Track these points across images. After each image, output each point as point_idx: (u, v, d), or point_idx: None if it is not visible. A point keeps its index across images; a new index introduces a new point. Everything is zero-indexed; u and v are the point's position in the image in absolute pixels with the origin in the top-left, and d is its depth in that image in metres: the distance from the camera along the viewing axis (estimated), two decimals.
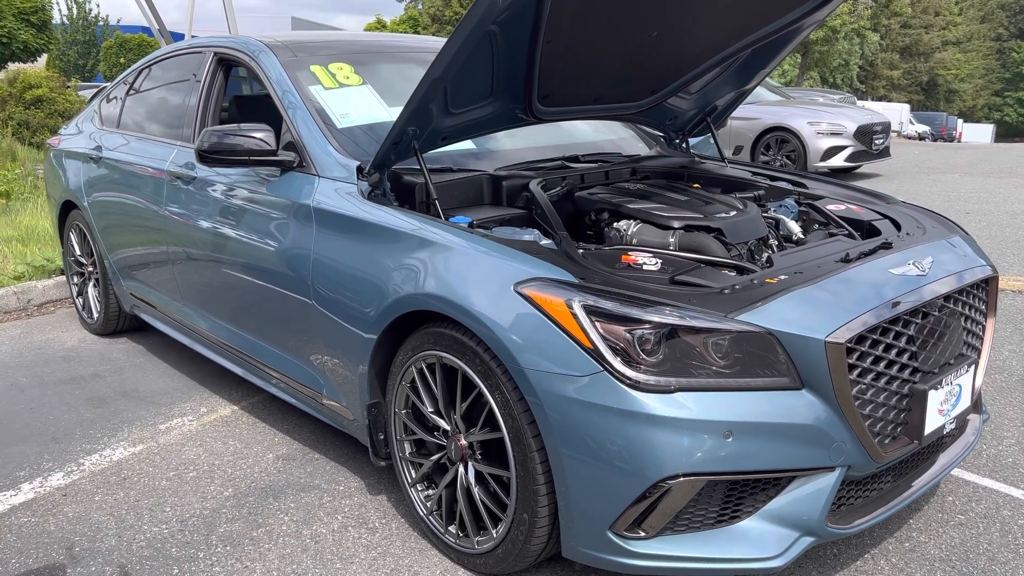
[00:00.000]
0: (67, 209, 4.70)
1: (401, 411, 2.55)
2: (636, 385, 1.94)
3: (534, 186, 2.77)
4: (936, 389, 2.22)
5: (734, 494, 2.04)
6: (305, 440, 3.25)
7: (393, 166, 2.71)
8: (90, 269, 4.60)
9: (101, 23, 34.08)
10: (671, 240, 2.54)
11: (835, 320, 2.04)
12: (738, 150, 10.94)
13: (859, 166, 11.43)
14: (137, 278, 4.08)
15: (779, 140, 10.75)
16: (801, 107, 11.55)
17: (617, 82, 3.05)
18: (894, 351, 2.15)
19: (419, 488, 2.56)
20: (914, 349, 2.20)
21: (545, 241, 2.39)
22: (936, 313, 2.29)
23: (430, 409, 2.45)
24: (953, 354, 2.34)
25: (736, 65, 3.29)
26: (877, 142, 10.99)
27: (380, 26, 25.88)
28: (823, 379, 2.01)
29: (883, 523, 2.56)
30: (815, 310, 2.06)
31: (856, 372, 2.07)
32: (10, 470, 3.06)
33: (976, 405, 2.63)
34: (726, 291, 2.11)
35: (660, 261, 2.31)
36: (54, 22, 25.66)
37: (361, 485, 2.89)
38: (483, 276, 2.22)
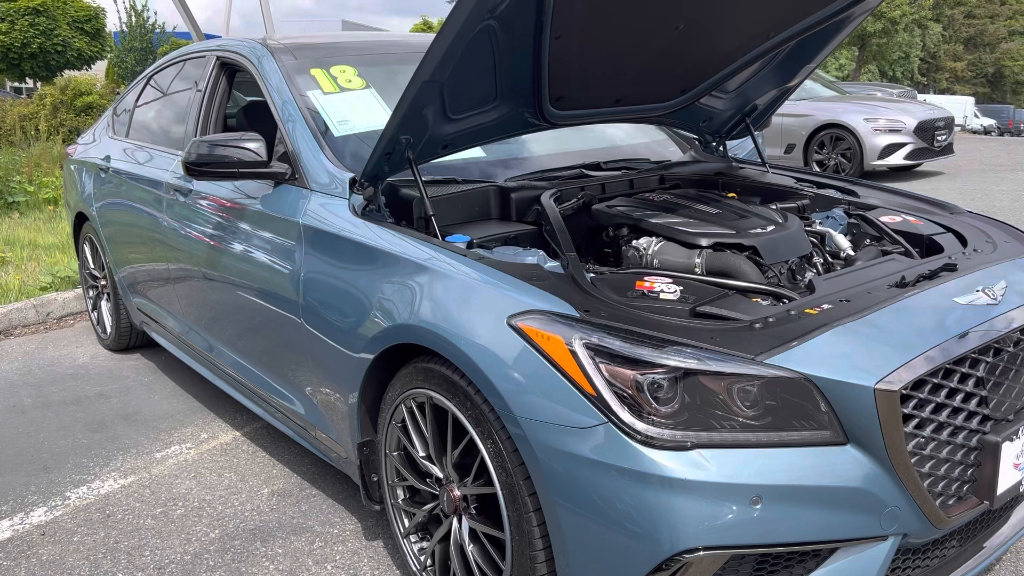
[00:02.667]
0: (81, 220, 4.57)
1: (392, 453, 2.29)
2: (647, 440, 1.63)
3: (546, 199, 2.48)
4: (1012, 440, 1.86)
5: (765, 569, 1.72)
6: (304, 473, 3.01)
7: (388, 178, 2.45)
8: (103, 283, 4.46)
9: (158, 30, 34.78)
10: (697, 261, 2.23)
11: (888, 362, 1.70)
12: (790, 148, 10.46)
13: (919, 164, 10.84)
14: (143, 294, 3.90)
15: (834, 138, 10.24)
16: (857, 102, 11.01)
17: (641, 81, 2.74)
18: (959, 396, 1.81)
19: (412, 540, 2.29)
20: (984, 393, 1.85)
21: (551, 264, 2.09)
22: (1011, 349, 1.94)
23: (421, 454, 2.18)
24: None
25: (778, 60, 2.96)
26: (939, 138, 10.39)
27: (426, 27, 25.81)
28: (872, 433, 1.68)
29: None
30: (863, 350, 1.73)
31: (913, 423, 1.73)
32: None
33: None
34: (757, 325, 1.79)
35: (680, 288, 1.99)
36: (112, 30, 26.24)
37: (356, 528, 2.63)
38: (475, 306, 1.94)
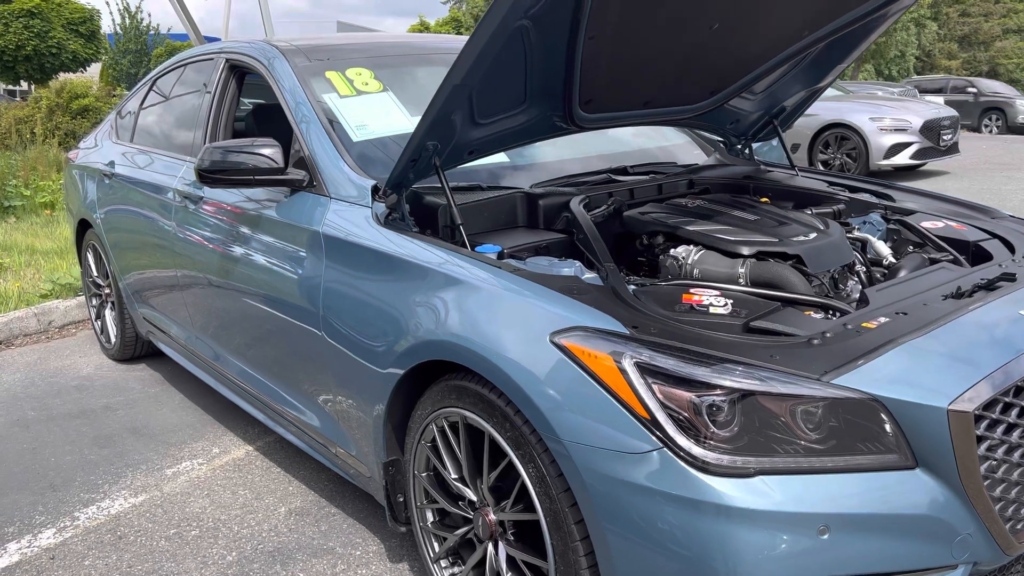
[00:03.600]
0: (84, 227, 4.45)
1: (421, 474, 2.18)
2: (705, 467, 1.54)
3: (575, 205, 2.38)
4: None
5: None
6: (322, 491, 2.90)
7: (412, 186, 2.34)
8: (107, 291, 4.34)
9: (152, 32, 34.58)
10: (740, 271, 2.12)
11: (959, 382, 1.61)
12: (794, 148, 10.37)
13: (925, 163, 10.76)
14: (150, 303, 3.79)
15: (839, 138, 10.16)
16: (862, 102, 10.94)
17: (671, 83, 2.64)
18: None
19: (443, 564, 2.18)
20: None
21: (588, 275, 1.99)
22: None
23: (454, 476, 2.08)
24: None
25: (809, 60, 2.86)
26: (945, 138, 10.32)
27: (423, 28, 25.70)
28: (945, 456, 1.58)
29: None
30: (931, 368, 1.64)
31: (985, 445, 1.64)
32: (0, 525, 2.77)
33: None
34: (815, 342, 1.69)
35: (730, 301, 1.89)
36: (107, 32, 26.07)
37: (380, 550, 2.53)
38: (512, 322, 1.84)
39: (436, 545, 2.19)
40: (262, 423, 3.06)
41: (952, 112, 10.86)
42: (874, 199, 2.83)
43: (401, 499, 2.27)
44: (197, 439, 3.37)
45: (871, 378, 1.59)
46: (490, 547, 2.00)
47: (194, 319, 3.35)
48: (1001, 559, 1.71)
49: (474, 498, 2.03)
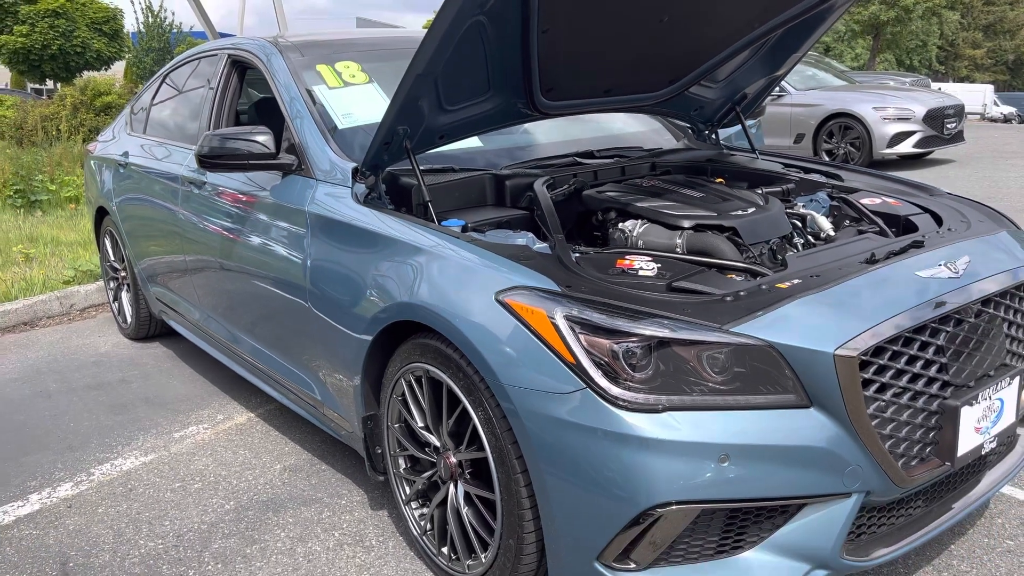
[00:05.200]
0: (101, 215, 4.75)
1: (394, 425, 2.43)
2: (622, 404, 1.77)
3: (538, 185, 2.60)
4: (971, 405, 1.98)
5: (735, 523, 1.85)
6: (314, 450, 3.17)
7: (388, 167, 2.59)
8: (123, 275, 4.64)
9: (175, 30, 35.16)
10: (678, 241, 2.35)
11: (847, 331, 1.82)
12: (799, 138, 10.51)
13: (930, 152, 10.86)
14: (161, 284, 4.07)
15: (843, 127, 10.28)
16: (866, 92, 11.03)
17: (630, 72, 2.86)
18: (919, 363, 1.92)
19: (413, 506, 2.44)
20: (944, 361, 1.96)
21: (540, 245, 2.23)
22: (972, 320, 2.05)
23: (420, 424, 2.33)
24: (993, 365, 2.08)
25: (765, 50, 3.06)
26: (949, 126, 10.40)
27: None
28: (834, 397, 1.80)
29: (919, 551, 2.33)
30: (825, 319, 1.85)
31: (873, 388, 1.85)
32: (23, 480, 3.06)
33: None
34: (728, 298, 1.92)
35: (658, 265, 2.12)
36: (130, 31, 26.55)
37: (363, 499, 2.78)
38: (466, 284, 2.08)
39: (407, 488, 2.45)
40: (263, 393, 3.33)
41: (957, 101, 10.94)
42: (823, 179, 3.04)
43: (379, 451, 2.52)
44: (203, 407, 3.65)
45: (769, 327, 1.81)
46: (451, 487, 2.25)
47: (202, 297, 3.62)
48: (895, 491, 1.92)
49: (437, 444, 2.28)
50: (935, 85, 19.74)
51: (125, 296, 4.67)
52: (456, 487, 2.23)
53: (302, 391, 2.90)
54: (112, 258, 4.74)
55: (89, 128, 15.22)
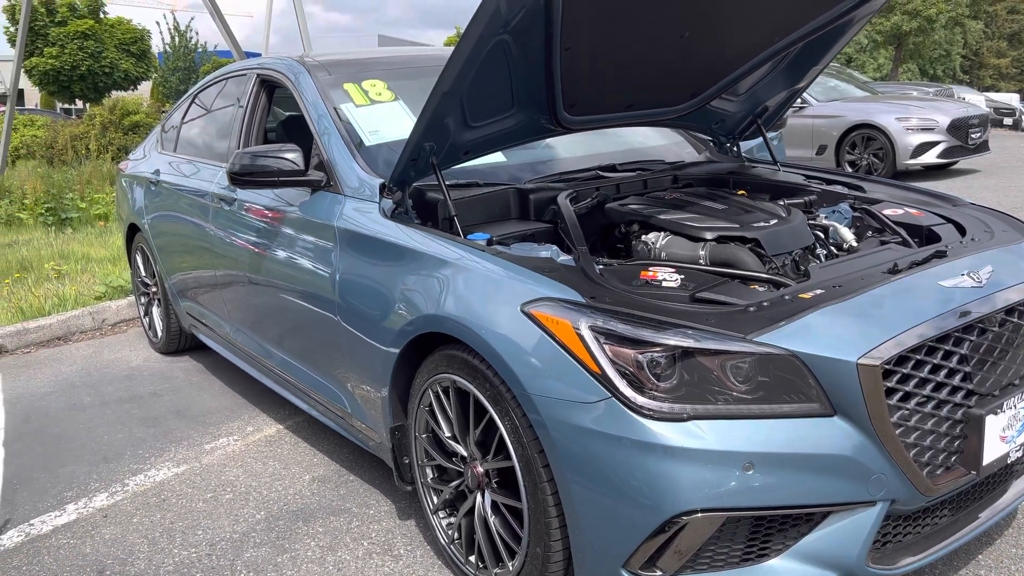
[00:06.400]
0: (133, 231, 4.85)
1: (422, 435, 2.48)
2: (647, 413, 1.80)
3: (561, 199, 2.65)
4: (996, 414, 1.99)
5: (760, 531, 1.87)
6: (343, 461, 3.22)
7: (415, 183, 2.64)
8: (153, 290, 4.73)
9: (200, 50, 35.77)
10: (701, 253, 2.38)
11: (870, 340, 1.84)
12: (821, 150, 10.49)
13: (955, 162, 10.78)
14: (192, 299, 4.15)
15: (865, 138, 10.24)
16: (889, 102, 11.00)
17: (652, 87, 2.90)
18: (943, 372, 1.94)
19: (441, 515, 2.47)
20: (968, 370, 1.98)
21: (564, 257, 2.27)
22: (996, 329, 2.06)
23: (447, 434, 2.37)
24: (1018, 374, 2.09)
25: (786, 62, 3.09)
26: (973, 136, 10.33)
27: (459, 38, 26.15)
28: (857, 405, 1.82)
29: (945, 560, 2.32)
30: (848, 329, 1.87)
31: (897, 396, 1.87)
32: (59, 490, 3.14)
33: None
34: (751, 309, 1.94)
35: (681, 277, 2.15)
36: (157, 51, 27.07)
37: (391, 509, 2.83)
38: (492, 296, 2.12)
39: (435, 498, 2.48)
40: (292, 405, 3.38)
41: (982, 110, 10.87)
42: (845, 190, 3.05)
43: (407, 461, 2.56)
44: (233, 419, 3.71)
45: (792, 337, 1.84)
46: (478, 496, 2.29)
47: (232, 311, 3.69)
48: (920, 500, 1.93)
49: (464, 453, 2.32)
50: (977, 95, 19.50)
51: (156, 311, 4.76)
52: (483, 496, 2.27)
53: (330, 403, 2.95)
54: (143, 274, 4.84)
55: (118, 147, 15.53)
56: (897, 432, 1.85)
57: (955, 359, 1.96)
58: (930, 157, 10.03)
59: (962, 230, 2.59)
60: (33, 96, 32.02)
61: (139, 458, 3.38)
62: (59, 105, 29.75)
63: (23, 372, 4.60)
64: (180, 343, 4.65)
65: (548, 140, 3.22)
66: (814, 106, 10.50)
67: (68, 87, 23.15)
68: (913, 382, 1.89)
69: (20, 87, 13.75)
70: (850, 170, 9.86)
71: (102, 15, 23.91)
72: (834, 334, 1.86)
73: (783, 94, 3.32)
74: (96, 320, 5.42)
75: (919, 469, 1.89)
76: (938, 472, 1.96)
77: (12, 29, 22.26)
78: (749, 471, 1.78)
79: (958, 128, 10.15)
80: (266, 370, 3.47)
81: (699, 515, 1.79)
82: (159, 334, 4.73)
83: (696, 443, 1.78)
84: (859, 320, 1.90)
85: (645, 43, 2.60)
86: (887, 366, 1.83)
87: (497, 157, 3.02)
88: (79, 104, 26.64)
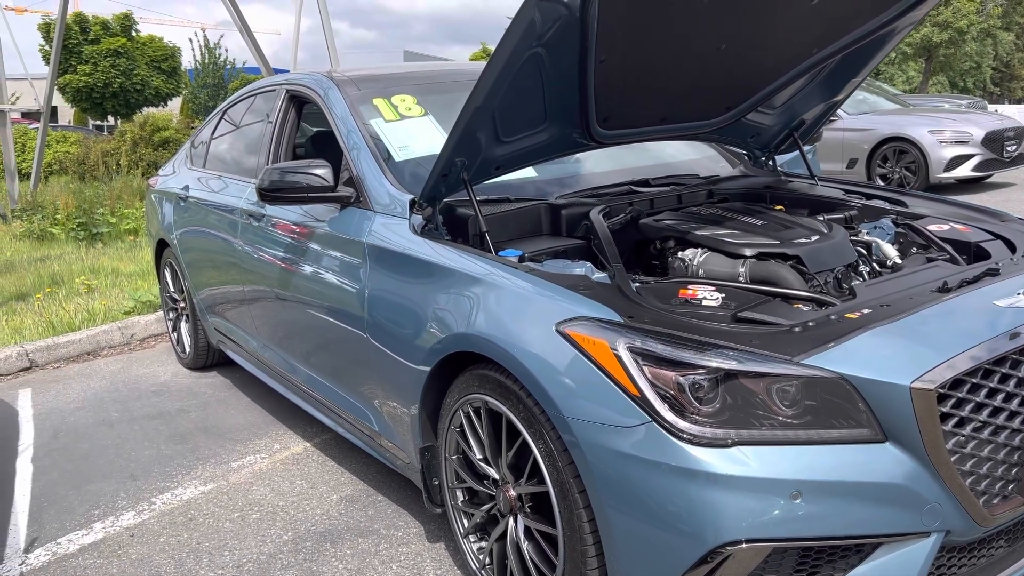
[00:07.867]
0: (162, 247, 4.86)
1: (452, 457, 2.42)
2: (688, 438, 1.73)
3: (594, 214, 2.59)
4: None
5: (808, 562, 1.79)
6: (371, 480, 3.16)
7: (445, 199, 2.60)
8: (182, 305, 4.73)
9: (229, 66, 36.25)
10: (741, 270, 2.31)
11: (924, 362, 1.76)
12: (852, 163, 10.33)
13: (990, 176, 10.57)
14: (220, 314, 4.14)
15: (897, 151, 10.08)
16: (921, 115, 10.81)
17: (686, 100, 2.84)
18: (999, 397, 1.85)
19: (472, 539, 2.41)
20: None
21: (598, 275, 2.20)
22: None
23: (478, 456, 2.30)
24: None
25: (823, 75, 3.02)
26: (1009, 149, 10.13)
27: (485, 54, 26.26)
28: (910, 431, 1.73)
29: None
30: (899, 351, 1.79)
31: (952, 422, 1.78)
32: (87, 508, 3.12)
33: None
34: (796, 329, 1.87)
35: (722, 295, 2.08)
36: (187, 68, 27.45)
37: (420, 531, 2.77)
38: (525, 315, 2.06)
39: (465, 522, 2.42)
40: (319, 422, 3.34)
41: (1018, 123, 10.66)
42: (887, 205, 2.96)
43: (436, 482, 2.50)
44: (260, 437, 3.68)
45: (841, 359, 1.76)
46: (511, 521, 2.22)
47: (260, 327, 3.67)
48: (976, 531, 1.84)
49: (496, 476, 2.25)
50: (1012, 107, 19.16)
51: (184, 326, 4.76)
52: (516, 521, 2.20)
53: (358, 421, 2.90)
54: (172, 289, 4.84)
55: (148, 162, 15.72)
56: (952, 459, 1.77)
57: (1012, 383, 1.87)
58: (964, 170, 9.84)
59: (1012, 247, 2.50)
60: (66, 113, 32.59)
61: (166, 476, 3.35)
62: (91, 122, 30.24)
63: (52, 387, 4.61)
64: (208, 359, 4.64)
65: (579, 155, 3.17)
66: (844, 119, 10.35)
67: (100, 104, 23.53)
68: (969, 407, 1.80)
69: (53, 104, 13.94)
70: (882, 183, 9.70)
71: (134, 33, 24.31)
72: (884, 356, 1.78)
73: (820, 107, 3.25)
74: (125, 335, 5.44)
75: (975, 498, 1.80)
76: (995, 501, 1.86)
77: (47, 47, 22.70)
78: (796, 500, 1.70)
79: (993, 140, 9.96)
80: (293, 387, 3.44)
81: (744, 545, 1.71)
82: (187, 349, 4.73)
83: (740, 470, 1.70)
84: (910, 342, 1.82)
85: (681, 55, 2.55)
86: (941, 390, 1.75)
87: (528, 172, 2.97)
88: (111, 121, 27.06)
